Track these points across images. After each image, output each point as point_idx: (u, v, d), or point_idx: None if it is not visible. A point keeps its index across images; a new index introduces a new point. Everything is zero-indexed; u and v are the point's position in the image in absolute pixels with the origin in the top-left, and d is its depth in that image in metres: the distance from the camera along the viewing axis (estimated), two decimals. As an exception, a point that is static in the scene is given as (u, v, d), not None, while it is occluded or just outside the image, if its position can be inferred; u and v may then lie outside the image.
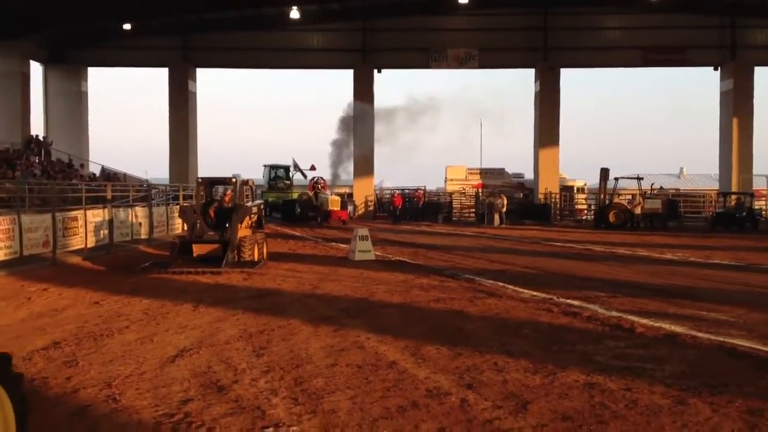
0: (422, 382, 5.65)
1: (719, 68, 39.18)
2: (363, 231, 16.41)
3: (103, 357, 6.55)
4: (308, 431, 4.50)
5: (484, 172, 45.03)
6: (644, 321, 8.25)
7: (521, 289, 11.01)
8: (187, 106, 39.67)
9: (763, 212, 34.76)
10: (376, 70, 40.55)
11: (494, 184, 41.36)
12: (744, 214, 29.59)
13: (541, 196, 38.19)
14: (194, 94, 40.80)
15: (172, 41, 38.88)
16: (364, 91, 39.94)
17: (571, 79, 67.12)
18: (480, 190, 39.53)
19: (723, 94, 38.97)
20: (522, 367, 6.13)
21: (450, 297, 10.34)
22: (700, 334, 7.50)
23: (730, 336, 7.43)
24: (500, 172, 45.18)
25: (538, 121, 39.29)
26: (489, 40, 39.37)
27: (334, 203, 33.16)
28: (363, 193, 41.25)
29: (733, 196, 32.54)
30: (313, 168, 36.56)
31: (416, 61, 40.69)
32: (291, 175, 39.21)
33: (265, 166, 39.81)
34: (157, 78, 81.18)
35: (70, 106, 39.21)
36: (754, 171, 37.37)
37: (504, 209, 33.29)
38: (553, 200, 38.29)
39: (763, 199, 37.95)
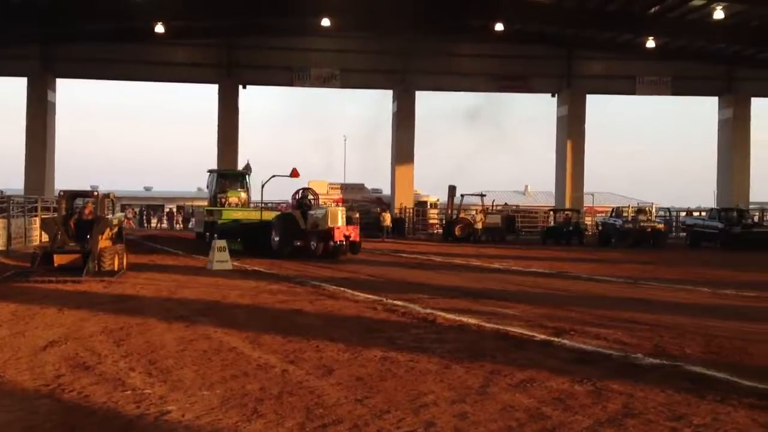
0: (255, 360, 7.13)
1: (557, 95, 43.26)
2: (221, 243, 17.62)
3: (-22, 349, 7.56)
4: (158, 392, 5.86)
5: (345, 187, 47.06)
6: (448, 315, 10.09)
7: (358, 293, 12.66)
8: (45, 116, 39.05)
9: (589, 227, 38.79)
10: (241, 86, 41.65)
11: (354, 198, 43.41)
12: (571, 228, 33.15)
13: (396, 211, 40.54)
14: (53, 104, 40.18)
15: (31, 51, 38.22)
16: (228, 106, 40.90)
17: (427, 99, 70.35)
18: (341, 203, 41.39)
19: (559, 119, 43.00)
20: (337, 348, 7.73)
21: (294, 299, 11.86)
22: (486, 325, 9.40)
23: (510, 325, 9.36)
24: (360, 188, 47.37)
25: (395, 140, 41.74)
26: (350, 62, 41.49)
27: (334, 218, 20.80)
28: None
29: (563, 212, 36.20)
30: (295, 174, 23.82)
31: (281, 78, 42.26)
32: (247, 185, 28.89)
33: (210, 172, 29.99)
34: (14, 88, 78.01)
35: None
36: (585, 190, 41.57)
37: (389, 224, 35.44)
38: (407, 215, 40.75)
39: (599, 215, 42.18)
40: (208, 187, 29.24)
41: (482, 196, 35.12)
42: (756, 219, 35.62)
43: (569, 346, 7.96)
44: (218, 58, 41.02)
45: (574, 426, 5.03)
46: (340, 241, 20.46)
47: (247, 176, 28.98)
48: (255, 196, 27.98)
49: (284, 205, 31.66)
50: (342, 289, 13.27)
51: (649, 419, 5.20)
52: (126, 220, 28.19)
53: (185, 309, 10.59)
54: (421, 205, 43.68)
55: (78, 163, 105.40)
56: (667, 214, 39.76)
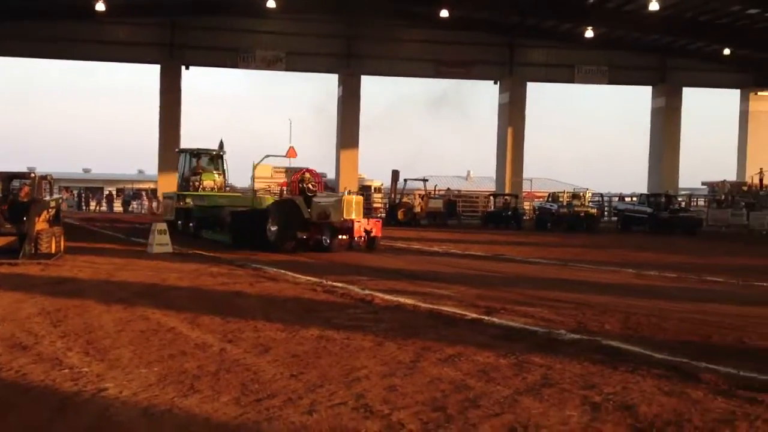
0: (193, 340, 7.29)
1: (498, 83, 43.96)
2: (161, 226, 17.56)
3: None
4: (96, 371, 5.99)
5: (289, 171, 46.91)
6: (385, 296, 10.39)
7: (299, 276, 12.85)
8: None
9: (527, 212, 39.76)
10: (183, 67, 41.08)
11: (297, 182, 43.35)
12: (509, 213, 33.94)
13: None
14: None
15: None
16: (170, 86, 40.32)
17: (373, 84, 70.78)
18: (285, 188, 41.30)
19: (501, 106, 43.75)
20: (275, 328, 7.94)
21: (234, 282, 11.99)
22: (422, 305, 9.73)
23: (443, 305, 9.71)
24: (304, 172, 47.28)
25: (340, 124, 41.85)
26: (296, 45, 41.34)
27: (350, 208, 17.62)
28: (168, 188, 41.52)
29: (502, 197, 37.00)
30: (292, 154, 22.08)
31: (225, 60, 41.88)
32: (224, 167, 25.43)
33: (180, 151, 26.28)
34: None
35: None
36: (524, 175, 42.52)
37: None
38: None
39: (537, 200, 43.17)
40: (179, 169, 25.58)
41: (425, 180, 35.61)
42: (683, 204, 37.05)
43: (498, 324, 8.35)
44: (161, 38, 40.35)
45: (495, 395, 5.37)
46: (359, 236, 17.52)
47: (223, 156, 25.48)
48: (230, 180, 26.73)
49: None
50: (283, 271, 13.44)
51: (564, 388, 5.59)
52: (62, 202, 26.72)
53: (124, 291, 10.64)
54: (365, 190, 43.97)
55: (15, 145, 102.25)
56: (601, 199, 40.96)
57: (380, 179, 47.74)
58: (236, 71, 44.04)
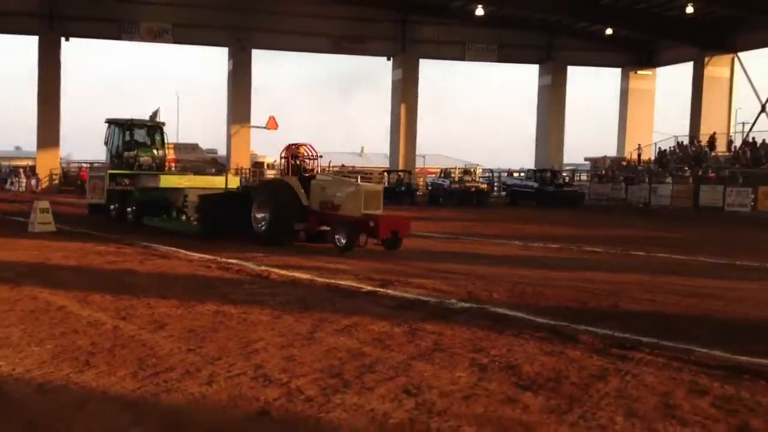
0: (85, 318, 7.15)
1: (392, 59, 44.36)
2: (44, 204, 16.83)
3: None
4: (-17, 352, 5.81)
5: (178, 147, 45.74)
6: (281, 272, 10.46)
7: (192, 253, 12.69)
8: None
9: (420, 187, 40.60)
10: (64, 39, 39.14)
11: (188, 159, 42.39)
12: (403, 189, 34.55)
13: (232, 172, 40.12)
14: None
15: None
16: (49, 59, 38.35)
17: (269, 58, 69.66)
18: (174, 164, 40.28)
19: (395, 83, 44.23)
20: (170, 305, 7.88)
21: (123, 260, 11.73)
22: (318, 279, 9.88)
23: (340, 279, 9.87)
24: (194, 148, 46.27)
25: (231, 99, 41.11)
26: (183, 16, 40.18)
27: (370, 199, 13.99)
28: (47, 165, 39.71)
29: (396, 173, 37.57)
30: (272, 125, 16.91)
31: (108, 32, 40.21)
32: (165, 141, 22.08)
33: (110, 123, 21.61)
34: None
35: None
36: (418, 152, 43.28)
37: None
38: (245, 175, 40.46)
39: (430, 175, 44.06)
40: (106, 142, 21.47)
41: (319, 157, 35.56)
42: (567, 179, 38.84)
43: (392, 295, 8.61)
44: (39, 8, 38.20)
45: (389, 361, 5.61)
46: (386, 237, 13.58)
47: (163, 129, 21.82)
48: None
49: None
50: (175, 249, 13.24)
51: (454, 352, 5.89)
52: None
53: (7, 271, 10.19)
54: (258, 166, 43.53)
55: None
56: (491, 175, 42.32)
57: (273, 156, 47.31)
58: (125, 44, 42.37)
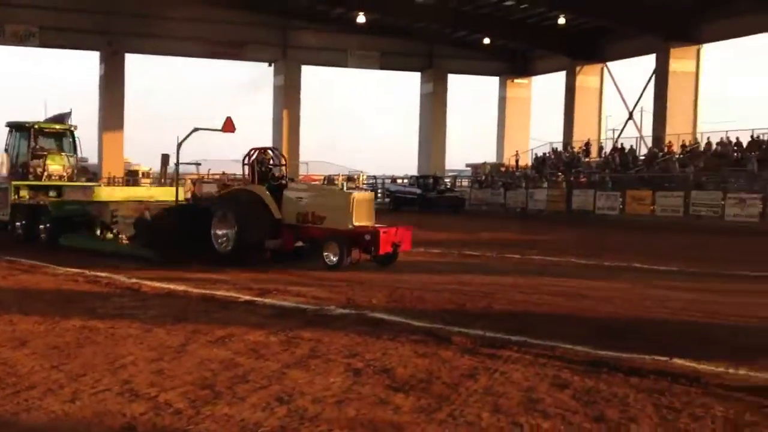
0: (-66, 339, 6.64)
1: (273, 65, 43.98)
2: None
3: None
4: None
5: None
6: (155, 284, 10.10)
7: (58, 267, 12.01)
8: None
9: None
10: None
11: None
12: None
13: (104, 180, 38.55)
14: None
15: None
16: None
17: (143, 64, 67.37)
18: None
19: (276, 88, 43.87)
20: (32, 321, 7.44)
21: (-16, 275, 11.00)
22: (194, 290, 9.60)
23: (217, 290, 9.63)
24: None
25: (102, 105, 39.55)
26: (50, 19, 38.24)
27: (361, 210, 12.33)
28: None
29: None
30: (229, 128, 15.22)
31: (-33, 33, 37.63)
32: (76, 146, 18.72)
33: (11, 127, 18.53)
34: None
35: None
36: (301, 158, 43.10)
37: None
38: (117, 183, 38.97)
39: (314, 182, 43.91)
40: (6, 149, 18.52)
41: (197, 164, 34.68)
42: (449, 185, 39.80)
43: (270, 305, 8.52)
44: None
45: (264, 370, 5.53)
46: (386, 252, 12.14)
47: (74, 133, 18.84)
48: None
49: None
50: (40, 263, 12.53)
51: (329, 358, 5.89)
52: None
53: None
54: (132, 174, 42.03)
55: None
56: (375, 181, 42.74)
57: (149, 164, 45.82)
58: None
